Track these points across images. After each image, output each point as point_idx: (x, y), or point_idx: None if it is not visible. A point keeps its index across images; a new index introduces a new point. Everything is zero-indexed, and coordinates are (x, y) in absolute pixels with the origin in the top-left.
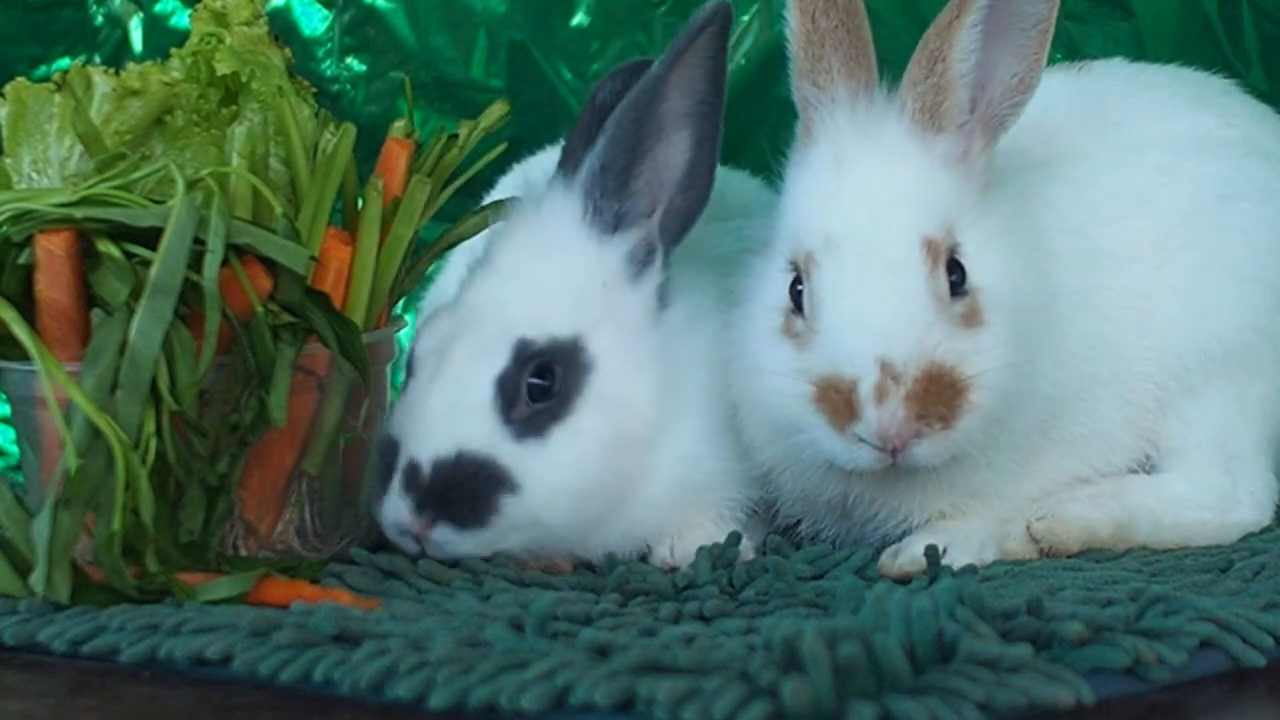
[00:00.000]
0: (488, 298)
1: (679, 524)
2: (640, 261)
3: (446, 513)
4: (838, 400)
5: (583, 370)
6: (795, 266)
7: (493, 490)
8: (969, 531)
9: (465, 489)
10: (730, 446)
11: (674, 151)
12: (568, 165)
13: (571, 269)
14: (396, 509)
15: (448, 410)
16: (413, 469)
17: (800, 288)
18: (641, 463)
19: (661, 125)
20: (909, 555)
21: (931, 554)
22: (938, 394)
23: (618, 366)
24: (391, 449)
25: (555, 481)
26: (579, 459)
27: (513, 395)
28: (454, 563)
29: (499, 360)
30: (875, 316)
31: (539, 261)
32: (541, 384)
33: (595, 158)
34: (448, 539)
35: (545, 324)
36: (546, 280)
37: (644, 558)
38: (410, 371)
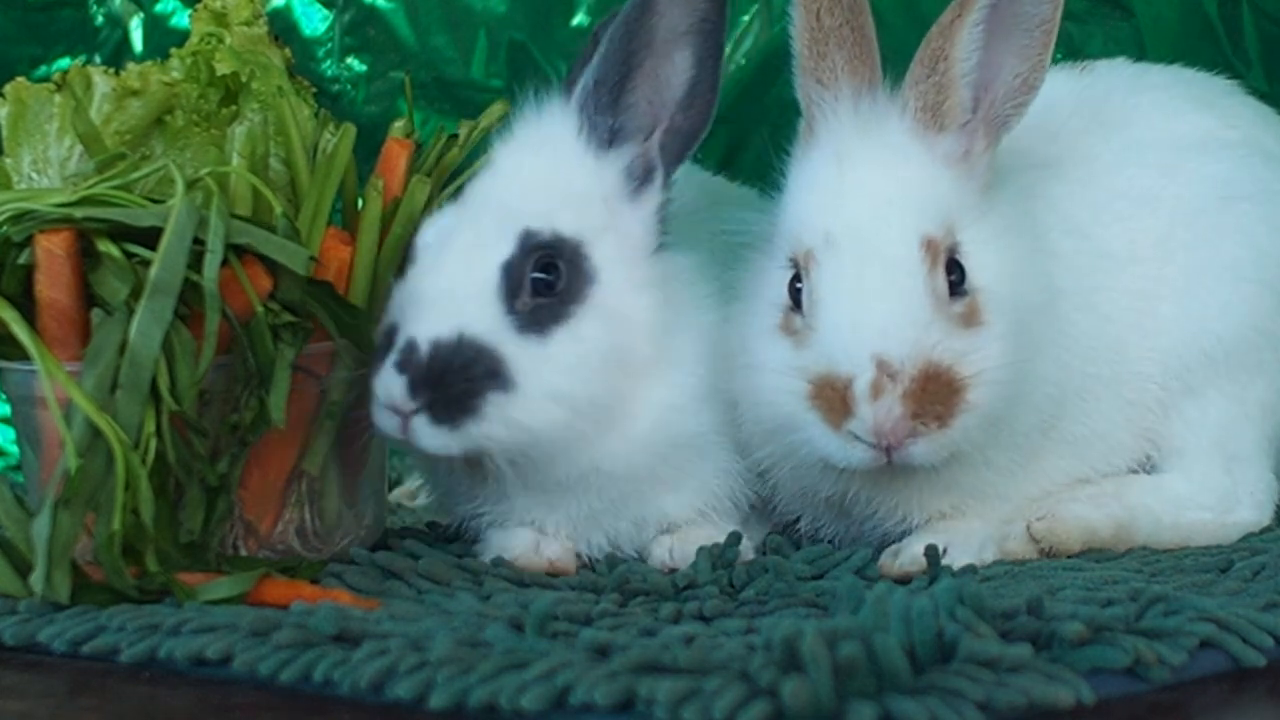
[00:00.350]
0: (491, 193)
1: (661, 481)
2: (639, 179)
3: (433, 401)
4: (833, 398)
5: (585, 278)
6: (795, 264)
7: (484, 385)
8: (969, 531)
9: (459, 376)
10: (713, 419)
11: (675, 70)
12: (568, 86)
13: (572, 177)
14: (388, 386)
15: (450, 293)
16: (410, 347)
17: (799, 285)
18: (632, 390)
19: (653, 41)
20: (909, 555)
21: (931, 554)
22: (934, 393)
23: (620, 281)
24: (391, 331)
25: (553, 384)
26: (580, 364)
27: (516, 285)
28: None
29: (504, 248)
30: (873, 315)
31: (541, 165)
32: (545, 279)
33: (589, 74)
34: (421, 431)
35: (550, 219)
36: (550, 182)
37: (643, 558)
38: (411, 259)
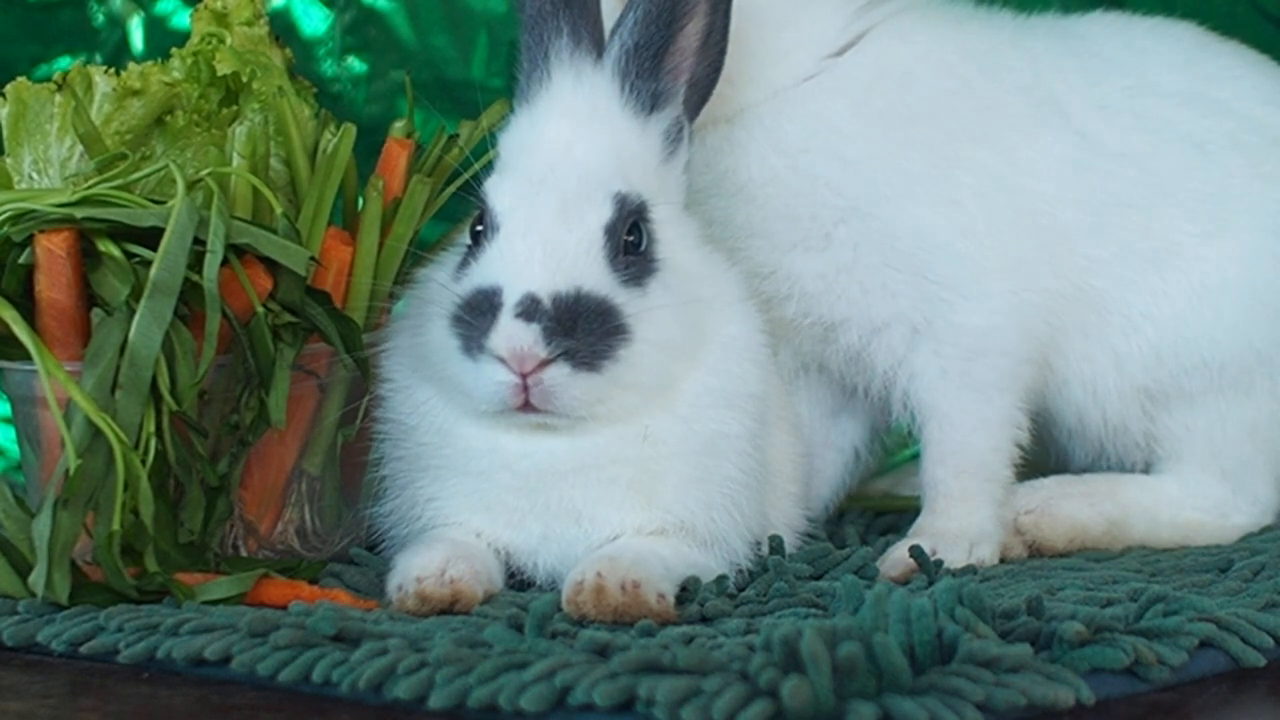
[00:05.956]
0: (561, 157)
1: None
2: (673, 139)
3: (574, 347)
4: None
5: (652, 238)
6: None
7: (611, 334)
8: (958, 532)
9: (590, 324)
10: (749, 392)
11: (694, 21)
12: (594, 50)
13: (628, 142)
14: (514, 336)
15: (556, 253)
16: (531, 300)
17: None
18: (699, 336)
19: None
20: (892, 560)
21: (918, 554)
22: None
23: (674, 239)
24: (488, 296)
25: (659, 332)
26: (674, 313)
27: (617, 246)
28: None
29: (601, 210)
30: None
31: (599, 130)
32: (632, 240)
33: (625, 37)
34: (560, 380)
35: (628, 182)
36: (616, 147)
37: None
38: (493, 227)
